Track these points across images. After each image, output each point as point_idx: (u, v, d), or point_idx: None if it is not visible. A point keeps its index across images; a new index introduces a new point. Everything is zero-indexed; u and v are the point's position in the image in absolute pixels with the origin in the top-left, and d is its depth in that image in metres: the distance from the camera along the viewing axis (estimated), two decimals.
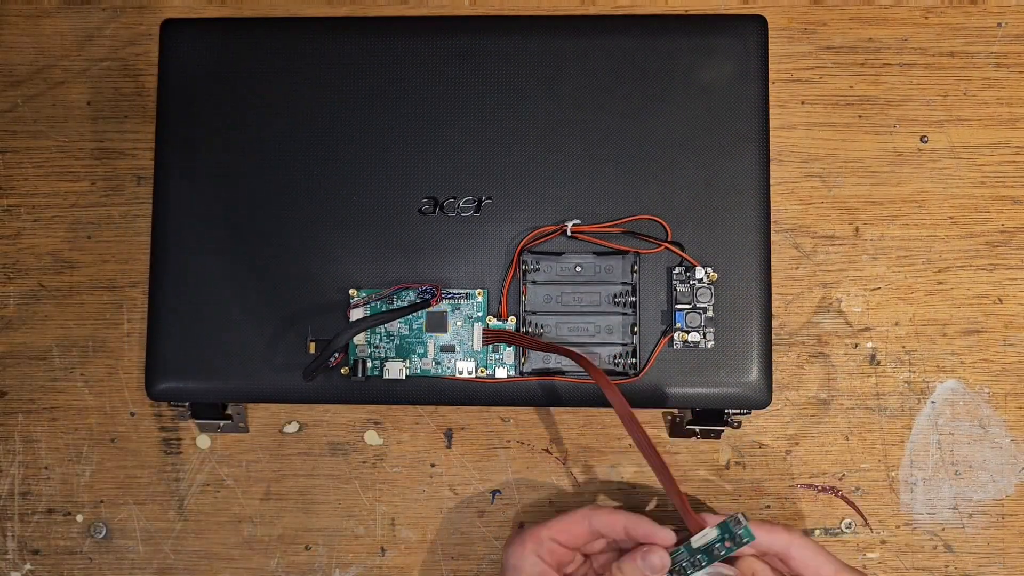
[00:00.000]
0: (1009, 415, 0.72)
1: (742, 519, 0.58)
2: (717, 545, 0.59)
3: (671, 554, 0.59)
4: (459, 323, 0.65)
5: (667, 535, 0.60)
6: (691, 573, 0.59)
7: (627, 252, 0.65)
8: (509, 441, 0.72)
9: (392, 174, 0.66)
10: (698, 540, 0.59)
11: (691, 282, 0.64)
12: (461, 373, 0.65)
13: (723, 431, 0.69)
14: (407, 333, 0.66)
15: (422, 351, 0.65)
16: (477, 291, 0.66)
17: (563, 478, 0.72)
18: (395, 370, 0.65)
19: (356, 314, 0.65)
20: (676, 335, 0.64)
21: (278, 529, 0.72)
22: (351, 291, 0.66)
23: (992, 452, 0.71)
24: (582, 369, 0.64)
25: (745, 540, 0.58)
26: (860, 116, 0.74)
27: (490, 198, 0.66)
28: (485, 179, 0.66)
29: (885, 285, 0.72)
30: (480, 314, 0.65)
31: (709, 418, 0.67)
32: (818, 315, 0.72)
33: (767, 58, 0.67)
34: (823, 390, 0.72)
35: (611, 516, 0.61)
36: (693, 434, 0.69)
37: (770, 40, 0.67)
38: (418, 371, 0.65)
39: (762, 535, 0.60)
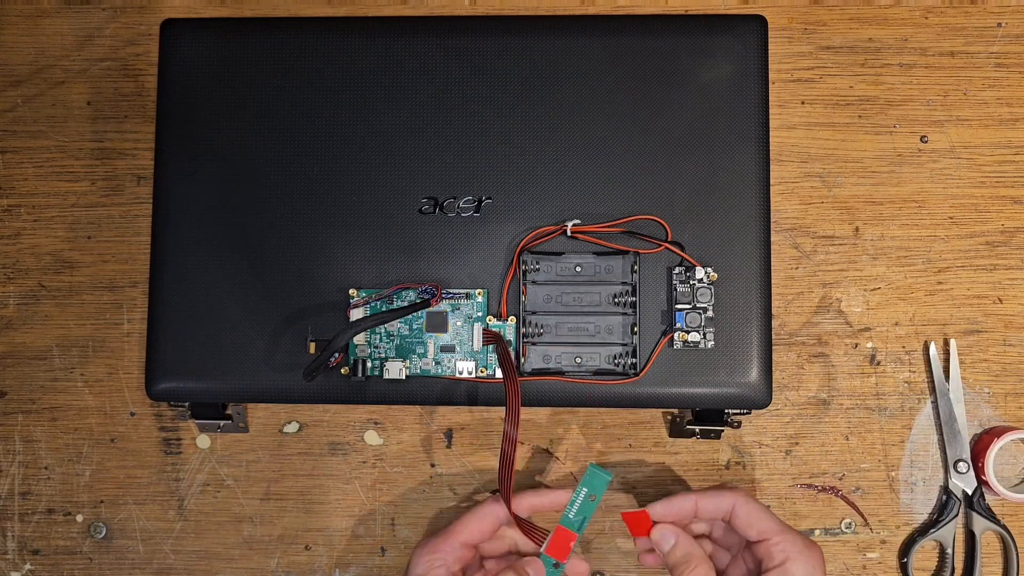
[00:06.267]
0: (1009, 415, 0.72)
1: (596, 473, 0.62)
2: (586, 503, 0.62)
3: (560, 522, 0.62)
4: (459, 323, 0.65)
5: (563, 495, 0.63)
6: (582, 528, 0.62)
7: (627, 252, 0.65)
8: None
9: (392, 174, 0.66)
10: (571, 509, 0.62)
11: (691, 282, 0.64)
12: (461, 373, 0.65)
13: (723, 431, 0.69)
14: (407, 333, 0.65)
15: (422, 351, 0.65)
16: (477, 291, 0.66)
17: (563, 478, 0.72)
18: (395, 370, 0.65)
19: (356, 314, 0.65)
20: (676, 335, 0.64)
21: (278, 529, 0.72)
22: (351, 291, 0.65)
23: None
24: (582, 369, 0.64)
25: (607, 479, 0.62)
26: (860, 116, 0.73)
27: (490, 198, 0.66)
28: (485, 179, 0.66)
29: (885, 285, 0.72)
30: (480, 314, 0.65)
31: (709, 418, 0.67)
32: (818, 315, 0.72)
33: (767, 58, 0.66)
34: (823, 390, 0.72)
35: (517, 503, 0.64)
36: (693, 434, 0.69)
37: (770, 40, 0.67)
38: (418, 371, 0.65)
39: (707, 501, 0.63)
